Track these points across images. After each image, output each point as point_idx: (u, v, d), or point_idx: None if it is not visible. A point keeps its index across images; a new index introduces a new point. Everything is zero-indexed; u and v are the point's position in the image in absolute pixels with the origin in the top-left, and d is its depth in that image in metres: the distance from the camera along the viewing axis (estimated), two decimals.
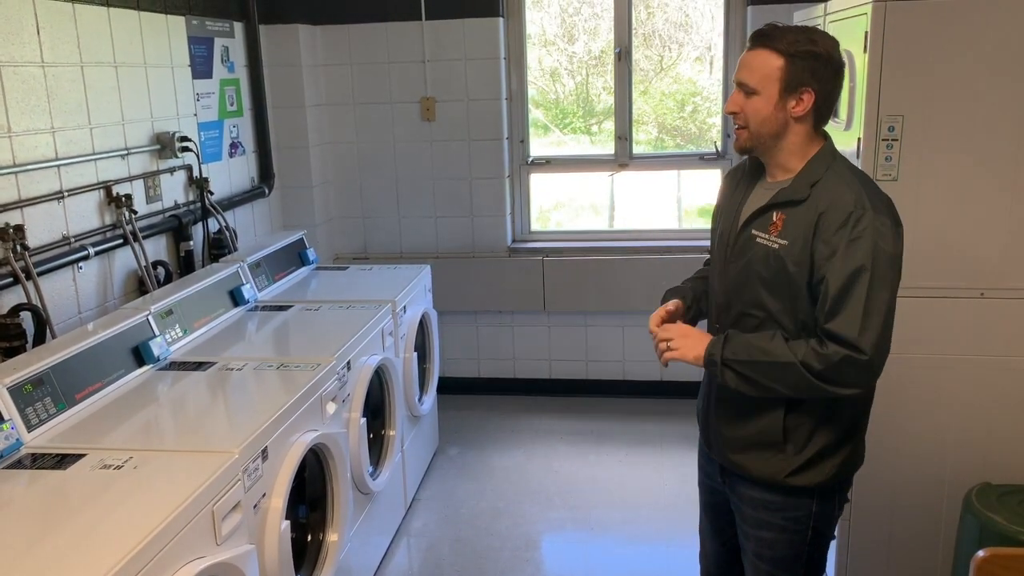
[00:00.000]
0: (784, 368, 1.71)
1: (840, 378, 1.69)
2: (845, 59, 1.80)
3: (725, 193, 2.01)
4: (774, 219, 1.79)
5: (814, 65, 1.73)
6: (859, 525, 2.76)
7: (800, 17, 3.48)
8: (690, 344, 1.85)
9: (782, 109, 1.75)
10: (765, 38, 1.75)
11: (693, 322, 2.05)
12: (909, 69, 2.45)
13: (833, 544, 2.80)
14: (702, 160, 4.42)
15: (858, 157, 2.54)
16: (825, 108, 1.79)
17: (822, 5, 3.04)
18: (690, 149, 4.64)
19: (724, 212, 1.97)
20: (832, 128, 2.87)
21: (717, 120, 4.43)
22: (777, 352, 1.72)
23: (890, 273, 1.71)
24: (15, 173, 2.54)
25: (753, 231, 1.83)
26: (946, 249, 2.55)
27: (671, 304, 2.03)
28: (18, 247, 2.50)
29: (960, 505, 2.59)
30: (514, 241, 4.58)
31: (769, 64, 1.74)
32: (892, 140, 2.49)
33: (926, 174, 2.51)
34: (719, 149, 4.38)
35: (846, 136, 2.69)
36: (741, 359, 1.76)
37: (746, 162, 1.98)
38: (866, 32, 2.47)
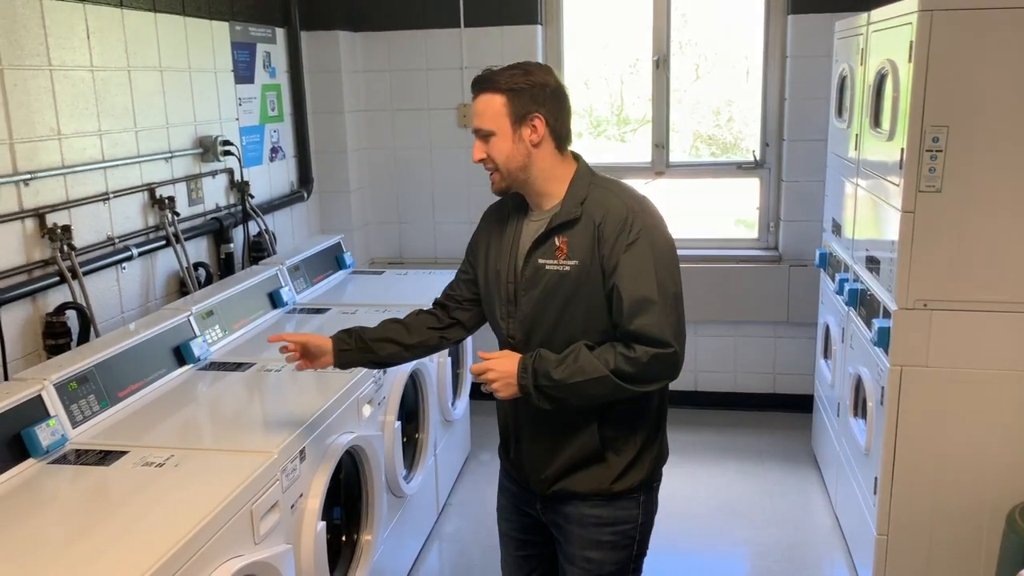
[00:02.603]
0: (598, 382, 1.73)
1: (651, 376, 1.75)
2: (561, 86, 1.85)
3: (489, 232, 2.00)
4: (557, 244, 1.82)
5: (533, 92, 1.79)
6: (897, 543, 2.72)
7: (842, 26, 3.45)
8: (505, 381, 1.80)
9: (520, 140, 1.80)
10: (484, 83, 1.82)
11: (346, 365, 2.04)
12: (955, 79, 2.42)
13: (870, 564, 2.76)
14: (740, 169, 4.39)
15: (901, 168, 2.51)
16: (560, 129, 1.84)
17: (865, 14, 3.01)
18: (727, 157, 4.61)
19: (493, 250, 1.95)
20: (873, 138, 2.85)
21: (755, 129, 4.40)
22: (588, 368, 1.73)
23: (672, 264, 1.81)
24: (63, 174, 2.60)
25: (539, 260, 1.83)
26: (991, 262, 2.51)
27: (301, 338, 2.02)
28: (65, 247, 2.55)
29: (1003, 523, 2.54)
30: None
31: (494, 104, 1.80)
32: (936, 151, 2.45)
33: (971, 186, 2.47)
34: (757, 158, 4.35)
35: (888, 147, 2.66)
36: (555, 382, 1.75)
37: (508, 200, 1.98)
38: (911, 41, 2.44)
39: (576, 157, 1.90)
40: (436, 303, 2.11)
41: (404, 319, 2.08)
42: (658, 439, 1.95)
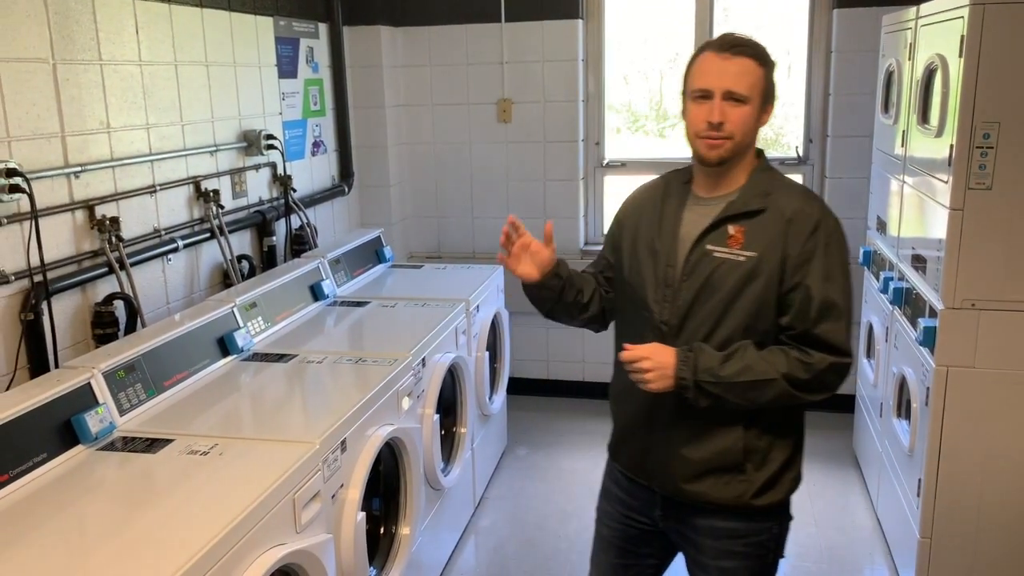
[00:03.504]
0: (766, 384, 1.67)
1: (823, 385, 1.69)
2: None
3: (640, 213, 1.90)
4: (731, 232, 1.73)
5: (774, 77, 1.76)
6: (941, 546, 2.67)
7: (889, 20, 3.39)
8: (661, 372, 1.70)
9: (758, 119, 1.75)
10: (744, 47, 1.71)
11: (558, 294, 1.94)
12: (1007, 74, 2.36)
13: (912, 567, 2.72)
14: (782, 165, 4.34)
15: (949, 165, 2.47)
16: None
17: (914, 8, 2.96)
18: (770, 153, 4.56)
19: (646, 232, 1.85)
20: (921, 134, 2.80)
21: (797, 125, 4.34)
22: (757, 368, 1.67)
23: (849, 274, 1.74)
24: (112, 167, 2.65)
25: (708, 247, 1.74)
26: None
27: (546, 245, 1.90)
28: (113, 238, 2.60)
29: None
30: (587, 243, 4.57)
31: (754, 73, 1.71)
32: (987, 148, 2.40)
33: (1022, 183, 2.42)
34: (800, 154, 4.29)
35: (937, 143, 2.61)
36: (719, 379, 1.67)
37: (665, 181, 1.91)
38: (962, 36, 2.39)
39: (759, 149, 1.83)
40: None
41: (588, 278, 1.99)
42: (798, 457, 1.85)
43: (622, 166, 4.55)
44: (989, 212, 2.45)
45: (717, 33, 4.29)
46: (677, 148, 4.54)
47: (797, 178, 4.33)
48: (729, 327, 1.73)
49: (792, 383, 1.66)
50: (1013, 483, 2.58)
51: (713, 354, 1.70)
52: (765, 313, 1.72)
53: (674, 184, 1.89)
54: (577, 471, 3.86)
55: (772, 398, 1.68)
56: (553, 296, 1.94)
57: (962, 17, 2.40)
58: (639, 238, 1.86)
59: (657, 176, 1.98)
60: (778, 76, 1.77)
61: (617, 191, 4.64)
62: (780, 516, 1.86)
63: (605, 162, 4.54)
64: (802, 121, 4.30)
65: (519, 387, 4.47)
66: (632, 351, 1.73)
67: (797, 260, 1.69)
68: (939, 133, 2.59)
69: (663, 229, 1.82)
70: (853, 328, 1.74)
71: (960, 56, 2.41)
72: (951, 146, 2.46)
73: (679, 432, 1.80)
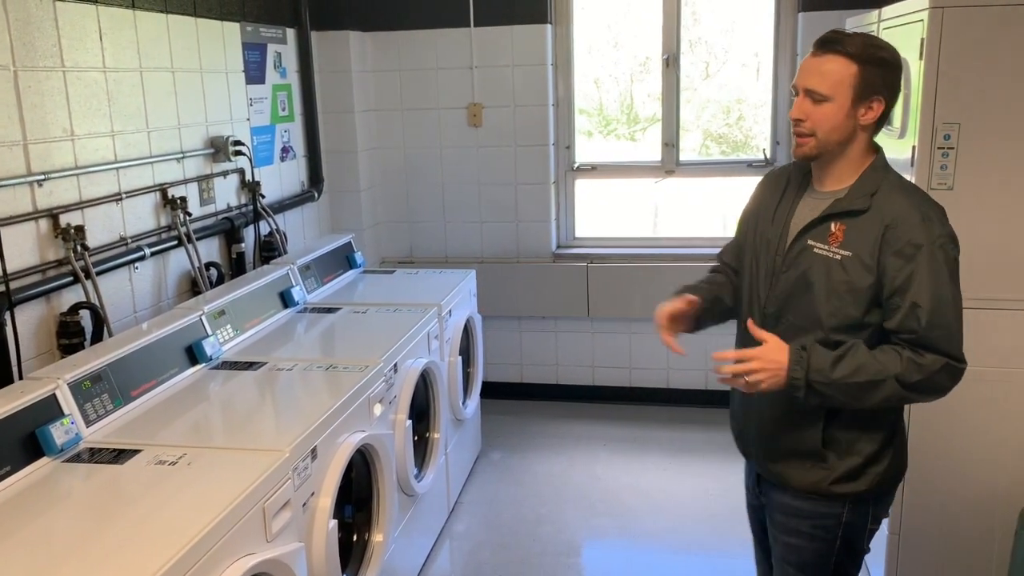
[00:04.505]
0: (878, 385, 1.67)
1: (935, 386, 1.69)
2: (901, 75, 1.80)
3: (765, 199, 1.97)
4: (833, 229, 1.77)
5: (884, 72, 1.74)
6: (909, 542, 2.71)
7: (853, 23, 3.44)
8: (773, 372, 1.72)
9: (852, 117, 1.74)
10: (836, 44, 1.73)
11: (698, 324, 2.02)
12: (966, 76, 2.41)
13: (882, 562, 2.75)
14: (750, 167, 4.38)
15: (912, 165, 2.51)
16: (885, 118, 1.79)
17: (876, 12, 3.00)
18: (737, 156, 4.61)
19: (764, 219, 1.93)
20: (885, 136, 2.83)
21: (765, 127, 4.39)
22: (870, 368, 1.67)
23: (957, 278, 1.72)
24: (77, 175, 2.62)
25: (809, 241, 1.80)
26: (1004, 260, 2.50)
27: (684, 301, 1.95)
28: (78, 247, 2.57)
29: (1015, 521, 2.53)
30: (559, 247, 4.58)
31: (843, 71, 1.72)
32: (948, 148, 2.45)
33: (982, 183, 2.46)
34: (768, 156, 4.34)
35: (900, 144, 2.65)
36: (831, 380, 1.69)
37: (790, 169, 1.95)
38: (922, 39, 2.43)
39: (877, 148, 1.84)
40: (713, 270, 2.12)
41: (718, 279, 2.07)
42: (889, 453, 1.84)
43: (593, 169, 4.57)
44: (951, 211, 2.48)
45: (684, 37, 4.36)
46: (648, 151, 4.57)
47: None
48: (827, 323, 1.76)
49: (904, 385, 1.67)
50: (979, 479, 2.63)
51: (826, 354, 1.70)
52: (862, 312, 1.74)
53: (796, 174, 1.93)
54: (551, 474, 3.87)
55: (883, 399, 1.69)
56: (708, 324, 2.06)
57: (922, 20, 2.45)
58: (759, 223, 1.94)
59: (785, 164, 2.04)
60: (884, 71, 1.73)
61: (588, 194, 4.67)
62: (855, 505, 1.86)
63: (576, 166, 4.56)
64: (768, 123, 4.35)
65: (493, 391, 4.46)
66: (737, 355, 1.76)
67: (898, 266, 1.69)
68: (902, 135, 2.63)
69: (776, 217, 1.90)
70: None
71: (920, 58, 2.45)
72: (913, 147, 2.50)
73: (768, 412, 1.89)
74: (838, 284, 1.75)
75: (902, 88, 1.81)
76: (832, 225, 1.78)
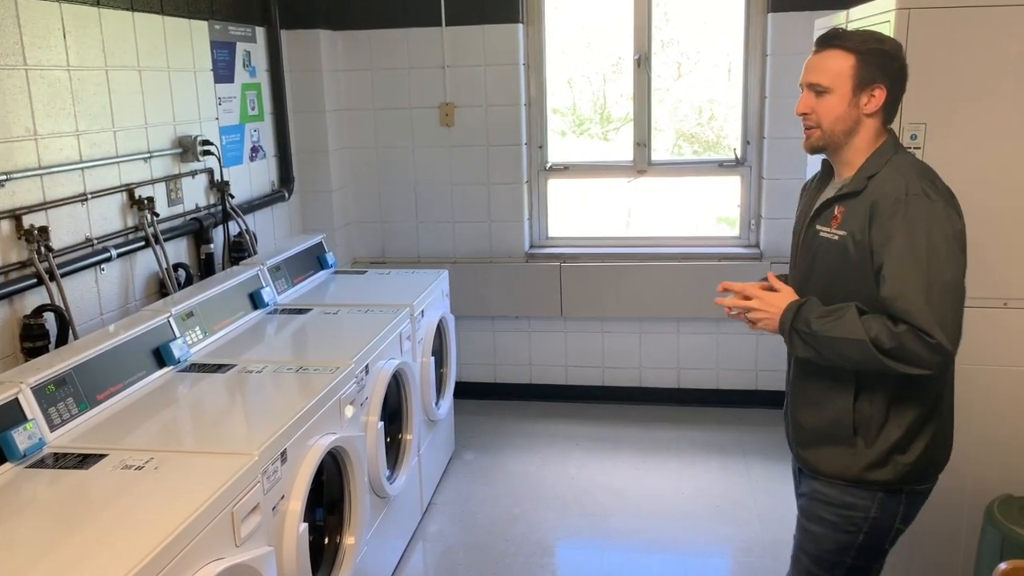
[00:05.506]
0: (854, 344, 1.74)
1: (908, 356, 1.71)
2: (906, 65, 1.86)
3: (805, 198, 2.07)
4: (835, 213, 1.87)
5: (883, 61, 1.81)
6: None
7: (821, 24, 3.46)
8: (768, 314, 1.88)
9: (855, 106, 1.82)
10: (835, 39, 1.83)
11: None
12: (932, 77, 2.44)
13: None
14: (721, 167, 4.41)
15: None
16: (893, 106, 1.85)
17: (844, 12, 3.03)
18: (709, 156, 4.63)
19: (802, 209, 2.05)
20: None
21: (736, 127, 4.42)
22: (849, 328, 1.74)
23: (946, 252, 1.74)
24: (40, 175, 2.57)
25: (817, 226, 1.91)
26: (969, 259, 2.53)
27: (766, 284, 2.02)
28: (42, 248, 2.52)
29: (981, 517, 2.57)
30: (532, 247, 4.58)
31: (841, 63, 1.81)
32: (915, 148, 2.47)
33: (948, 182, 2.48)
34: (738, 156, 4.37)
35: None
36: (812, 331, 1.79)
37: (820, 168, 2.04)
38: None
39: (889, 132, 1.90)
40: None
41: None
42: (921, 441, 1.87)
43: (565, 169, 4.57)
44: None
45: (656, 37, 4.38)
46: (621, 151, 4.58)
47: (735, 180, 4.42)
48: (832, 300, 1.83)
49: (880, 350, 1.71)
50: (947, 474, 2.65)
51: (817, 308, 1.82)
52: (864, 289, 1.80)
53: (824, 169, 2.02)
54: (524, 474, 3.87)
55: (861, 359, 1.75)
56: None
57: (888, 21, 2.47)
58: (797, 217, 2.05)
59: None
60: (882, 60, 1.81)
61: (561, 194, 4.67)
62: (885, 501, 1.88)
63: (548, 165, 4.56)
64: (739, 123, 4.38)
65: (466, 391, 4.46)
66: (743, 290, 1.94)
67: (880, 240, 1.76)
68: None
69: (804, 206, 2.02)
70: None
71: None
72: None
73: (800, 396, 1.99)
74: (839, 263, 1.85)
75: (906, 80, 1.86)
76: (835, 208, 1.87)
